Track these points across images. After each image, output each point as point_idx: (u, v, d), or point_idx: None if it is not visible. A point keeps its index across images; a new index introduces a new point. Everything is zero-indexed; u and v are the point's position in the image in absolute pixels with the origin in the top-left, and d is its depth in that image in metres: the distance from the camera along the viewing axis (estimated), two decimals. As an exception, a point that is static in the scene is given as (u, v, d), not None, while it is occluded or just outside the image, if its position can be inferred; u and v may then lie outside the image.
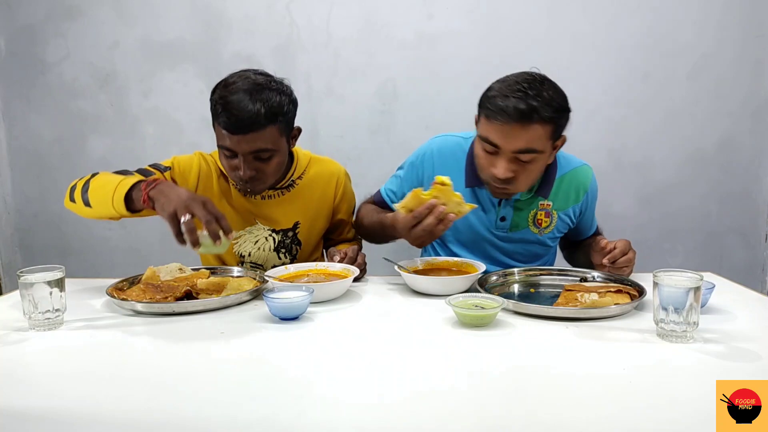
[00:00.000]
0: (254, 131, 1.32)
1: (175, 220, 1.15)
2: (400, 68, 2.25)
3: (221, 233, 1.16)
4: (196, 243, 1.13)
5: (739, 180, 2.34)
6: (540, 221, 1.51)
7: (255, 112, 1.30)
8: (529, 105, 1.26)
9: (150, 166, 1.47)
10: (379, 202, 1.64)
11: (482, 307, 1.12)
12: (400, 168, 1.64)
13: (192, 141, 2.31)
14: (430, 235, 1.30)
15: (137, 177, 1.31)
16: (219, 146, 1.39)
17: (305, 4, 2.23)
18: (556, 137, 1.36)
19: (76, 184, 1.36)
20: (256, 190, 1.47)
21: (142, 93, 2.31)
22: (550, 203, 1.50)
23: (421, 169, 1.56)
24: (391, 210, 1.54)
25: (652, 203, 2.35)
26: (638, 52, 2.23)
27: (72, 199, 1.35)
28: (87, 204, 1.31)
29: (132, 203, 1.24)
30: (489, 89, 1.36)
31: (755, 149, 2.32)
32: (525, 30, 2.21)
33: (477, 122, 1.43)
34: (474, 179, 1.49)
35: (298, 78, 2.25)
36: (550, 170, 1.48)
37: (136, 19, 2.26)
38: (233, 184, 1.53)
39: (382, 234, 1.56)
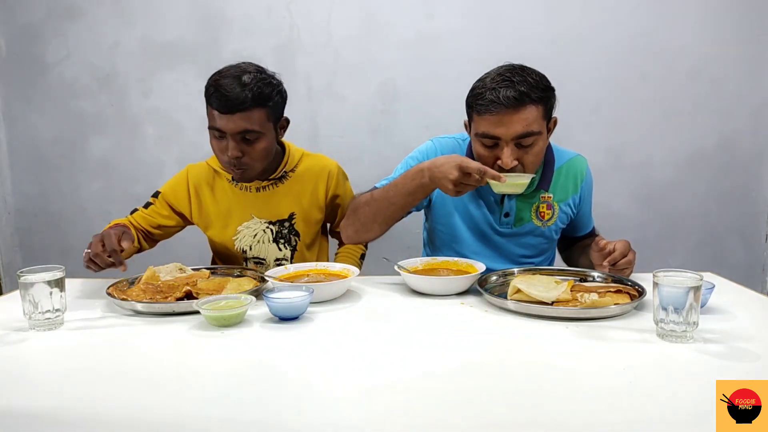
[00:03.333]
0: (241, 111, 1.40)
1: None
2: (400, 68, 2.25)
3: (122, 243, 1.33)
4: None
5: (739, 180, 2.34)
6: (543, 214, 1.54)
7: (242, 92, 1.40)
8: (518, 90, 1.30)
9: (152, 196, 1.64)
10: None
11: None
12: (400, 166, 1.57)
13: (192, 141, 2.31)
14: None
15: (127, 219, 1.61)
16: (210, 128, 1.46)
17: (305, 4, 2.23)
18: (548, 118, 1.40)
19: None
20: (246, 176, 1.52)
21: (142, 93, 2.31)
22: (551, 195, 1.53)
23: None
24: None
25: (651, 203, 2.35)
26: (638, 51, 2.23)
27: None
28: None
29: None
30: (472, 89, 1.39)
31: (755, 149, 2.32)
32: (525, 30, 2.21)
33: (468, 126, 1.45)
34: None
35: (298, 78, 2.25)
36: (548, 164, 1.52)
37: (136, 19, 2.26)
38: (228, 179, 1.60)
39: (401, 200, 1.42)
